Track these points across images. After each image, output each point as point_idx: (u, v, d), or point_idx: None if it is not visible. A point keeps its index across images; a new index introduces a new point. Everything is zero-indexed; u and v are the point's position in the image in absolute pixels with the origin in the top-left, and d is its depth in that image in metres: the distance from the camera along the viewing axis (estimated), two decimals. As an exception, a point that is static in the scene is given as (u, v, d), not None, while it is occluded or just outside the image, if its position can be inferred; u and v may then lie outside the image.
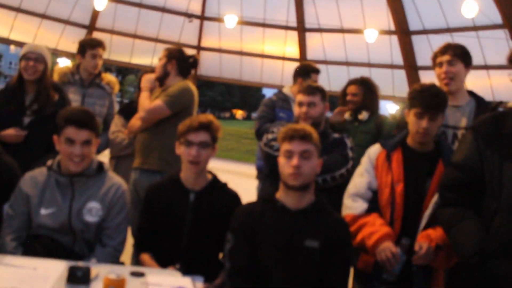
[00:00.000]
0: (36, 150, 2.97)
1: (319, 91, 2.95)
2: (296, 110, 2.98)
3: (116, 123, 3.65)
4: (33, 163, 2.67)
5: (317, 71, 4.14)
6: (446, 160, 2.39)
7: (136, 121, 3.40)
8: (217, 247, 2.51)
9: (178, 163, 3.32)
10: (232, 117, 50.24)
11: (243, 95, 50.19)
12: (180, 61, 3.43)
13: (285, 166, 2.22)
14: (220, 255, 2.55)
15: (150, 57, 10.95)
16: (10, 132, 2.97)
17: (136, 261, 2.56)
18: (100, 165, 2.44)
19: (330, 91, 9.50)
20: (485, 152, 1.99)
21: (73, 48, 10.27)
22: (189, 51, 3.60)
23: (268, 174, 3.04)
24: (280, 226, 2.20)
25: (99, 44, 3.73)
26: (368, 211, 2.46)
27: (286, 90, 4.11)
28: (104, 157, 3.33)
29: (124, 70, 27.76)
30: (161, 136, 3.27)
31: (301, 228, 2.19)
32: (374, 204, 2.47)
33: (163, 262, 2.41)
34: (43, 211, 2.32)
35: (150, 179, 3.08)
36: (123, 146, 3.56)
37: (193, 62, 3.51)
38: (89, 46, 3.69)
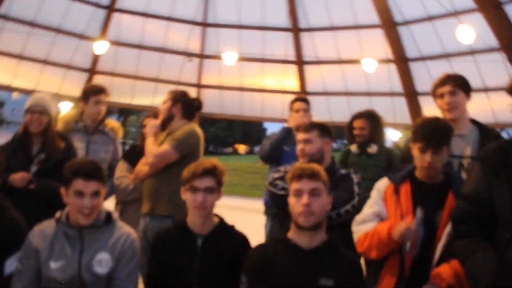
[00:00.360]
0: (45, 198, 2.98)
1: (316, 127, 2.94)
2: (297, 148, 3.00)
3: (121, 168, 3.65)
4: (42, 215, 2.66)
5: (300, 100, 4.11)
6: (456, 191, 2.37)
7: (143, 167, 3.40)
8: (229, 290, 2.48)
9: (186, 207, 3.33)
10: (235, 152, 50.36)
11: (244, 130, 50.47)
12: (186, 104, 3.45)
13: (296, 205, 2.22)
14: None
15: (151, 97, 11.06)
16: (17, 176, 2.99)
17: None
18: (109, 215, 2.44)
19: (332, 121, 9.60)
20: (493, 182, 1.99)
21: (75, 92, 10.36)
22: (190, 89, 3.66)
23: (276, 214, 3.03)
24: (293, 265, 2.19)
25: (102, 90, 3.77)
26: None
27: (290, 124, 4.11)
28: (109, 202, 3.32)
29: (125, 111, 27.99)
30: (170, 181, 3.25)
31: (315, 267, 2.18)
32: None
33: (176, 308, 2.38)
34: (53, 265, 2.31)
35: (161, 224, 3.04)
36: (128, 192, 3.55)
37: (198, 105, 3.54)
38: (92, 93, 3.74)
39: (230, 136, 49.75)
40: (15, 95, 14.44)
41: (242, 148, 51.05)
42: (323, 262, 2.20)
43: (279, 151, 3.90)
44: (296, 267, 2.19)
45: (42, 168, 3.10)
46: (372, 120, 4.06)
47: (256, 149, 51.20)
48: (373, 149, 3.94)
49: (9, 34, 9.93)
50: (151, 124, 3.46)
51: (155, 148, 3.31)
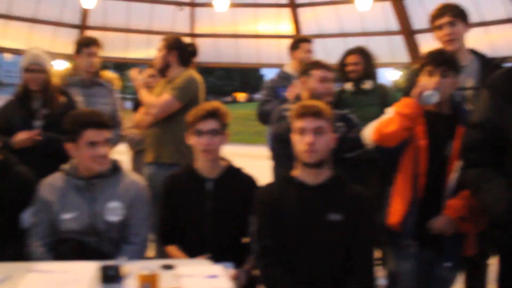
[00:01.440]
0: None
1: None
2: (316, 86, 2.99)
3: (129, 119, 3.69)
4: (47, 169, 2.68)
5: (305, 40, 4.15)
6: (464, 121, 2.35)
7: (143, 117, 3.41)
8: (240, 232, 2.54)
9: (191, 154, 3.36)
10: (234, 100, 50.15)
11: (242, 77, 50.25)
12: (181, 50, 3.44)
13: (299, 143, 2.23)
14: (244, 240, 2.57)
15: (145, 49, 10.89)
16: (22, 136, 2.99)
17: (161, 254, 2.58)
18: (115, 164, 2.46)
19: (329, 63, 9.50)
20: (504, 108, 1.98)
21: (68, 49, 10.22)
22: (185, 39, 3.60)
23: (277, 156, 3.07)
24: (301, 202, 2.22)
25: (93, 42, 3.71)
26: None
27: (287, 68, 4.13)
28: (121, 154, 3.34)
29: (121, 65, 27.67)
30: (173, 129, 3.29)
31: (323, 203, 2.22)
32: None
33: (189, 252, 2.44)
34: (66, 216, 2.34)
35: (166, 173, 3.10)
36: (135, 142, 3.60)
37: (193, 50, 3.53)
38: (83, 45, 3.68)
39: (229, 85, 49.54)
40: (7, 56, 14.21)
41: (241, 96, 50.83)
42: (331, 197, 2.23)
43: None
44: (304, 203, 2.22)
45: (46, 122, 3.10)
46: (365, 56, 4.02)
47: (256, 96, 51.16)
48: (368, 85, 3.89)
49: (-7, -5, 9.70)
50: (134, 77, 3.51)
51: (153, 98, 3.34)
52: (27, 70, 3.13)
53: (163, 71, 3.43)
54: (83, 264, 2.10)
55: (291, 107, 2.94)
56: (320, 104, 2.30)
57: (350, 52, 4.04)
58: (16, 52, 11.26)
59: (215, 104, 2.49)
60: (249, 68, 39.52)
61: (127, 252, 2.34)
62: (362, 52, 4.00)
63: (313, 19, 10.78)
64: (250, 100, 48.49)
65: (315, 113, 2.22)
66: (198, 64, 11.55)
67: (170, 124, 3.31)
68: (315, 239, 2.19)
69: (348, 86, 3.98)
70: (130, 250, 2.37)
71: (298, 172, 2.29)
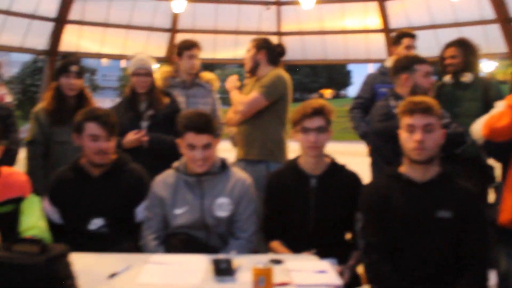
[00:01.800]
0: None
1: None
2: (422, 81, 2.95)
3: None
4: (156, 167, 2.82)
5: (408, 35, 4.05)
6: None
7: (233, 115, 3.52)
8: (343, 228, 2.54)
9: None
10: (321, 97, 50.01)
11: (329, 74, 49.93)
12: (269, 50, 3.53)
13: (408, 140, 2.19)
14: (347, 236, 2.57)
15: (232, 49, 11.12)
16: (130, 137, 3.18)
17: (265, 249, 2.64)
18: (223, 162, 2.54)
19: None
20: None
21: (160, 52, 10.63)
22: (271, 38, 3.68)
23: (380, 153, 3.02)
24: (408, 199, 2.19)
25: (194, 45, 3.86)
26: None
27: (388, 63, 4.03)
28: (226, 152, 3.47)
29: (209, 66, 28.46)
30: (262, 126, 3.41)
31: (431, 200, 2.17)
32: None
33: (292, 248, 2.47)
34: (177, 211, 2.46)
35: (254, 169, 3.17)
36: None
37: (281, 51, 3.61)
38: (185, 48, 3.83)
39: (315, 82, 49.42)
40: (104, 62, 15.08)
41: (327, 92, 50.46)
42: (439, 194, 2.18)
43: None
44: (412, 201, 2.18)
45: (152, 123, 3.28)
46: (464, 48, 3.84)
47: (342, 92, 50.52)
48: (467, 77, 3.72)
49: (93, 5, 10.30)
50: (229, 80, 3.65)
51: (242, 96, 3.46)
52: (134, 74, 3.33)
53: (253, 70, 3.54)
54: (195, 257, 2.21)
55: (396, 103, 2.90)
56: (429, 100, 2.24)
57: (449, 45, 3.90)
58: (112, 57, 11.94)
59: (321, 101, 2.51)
60: (336, 64, 39.20)
61: (234, 246, 2.42)
62: (460, 45, 3.84)
63: (401, 12, 10.47)
64: (336, 96, 48.09)
65: (424, 110, 2.18)
66: (284, 62, 11.61)
67: (258, 121, 3.43)
68: (423, 237, 2.15)
69: (447, 79, 3.84)
70: (237, 245, 2.45)
71: (405, 169, 2.25)
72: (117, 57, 11.83)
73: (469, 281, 2.09)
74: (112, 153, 2.60)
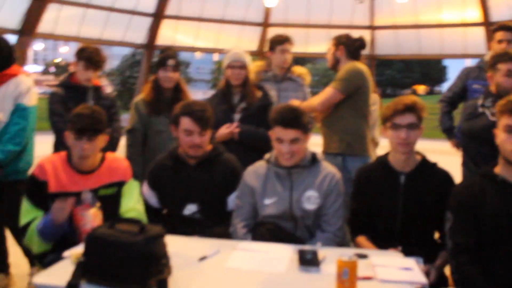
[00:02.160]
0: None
1: None
2: (503, 80, 2.81)
3: None
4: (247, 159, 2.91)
5: (503, 28, 3.78)
6: None
7: (311, 113, 3.56)
8: (432, 227, 2.49)
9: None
10: (414, 93, 48.43)
11: (423, 69, 48.25)
12: (347, 45, 3.58)
13: (507, 142, 2.11)
14: (436, 235, 2.52)
15: (324, 43, 11.08)
16: (224, 130, 3.30)
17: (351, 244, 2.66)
18: (314, 156, 2.59)
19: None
20: None
21: (251, 46, 10.80)
22: (363, 32, 3.70)
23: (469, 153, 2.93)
24: (503, 201, 2.11)
25: (286, 39, 3.92)
26: None
27: (486, 58, 3.82)
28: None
29: (301, 61, 28.47)
30: (340, 120, 3.49)
31: None
32: None
33: (378, 244, 2.46)
34: (267, 201, 2.54)
35: (333, 162, 3.16)
36: None
37: (361, 44, 3.63)
38: (277, 43, 3.90)
39: (408, 77, 47.95)
40: (197, 55, 15.58)
41: (421, 89, 48.73)
42: None
43: None
44: (507, 202, 2.10)
45: (244, 115, 3.38)
46: None
47: (436, 89, 48.59)
48: None
49: (188, 0, 10.69)
50: None
51: (318, 94, 3.57)
52: (229, 67, 3.45)
53: (334, 67, 3.63)
54: (281, 246, 2.27)
55: (485, 102, 2.79)
56: None
57: None
58: (206, 50, 12.33)
59: (413, 98, 2.47)
60: (430, 59, 37.70)
61: (320, 239, 2.46)
62: None
63: (504, 3, 9.86)
64: (430, 92, 46.29)
65: None
66: (376, 57, 11.40)
67: (336, 115, 3.50)
68: None
69: None
70: (324, 238, 2.48)
71: (500, 170, 2.17)
72: (210, 51, 12.22)
73: None
74: (205, 146, 2.72)
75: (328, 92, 3.48)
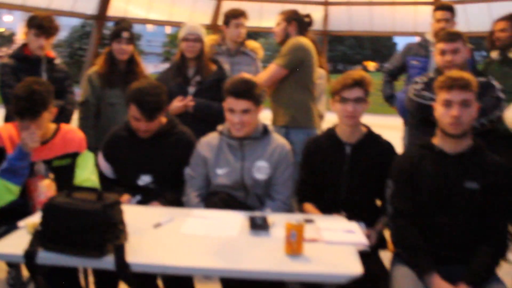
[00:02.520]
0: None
1: (460, 35, 2.94)
2: (438, 59, 2.97)
3: None
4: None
5: (441, 8, 3.98)
6: None
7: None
8: (374, 194, 2.65)
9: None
10: (364, 69, 49.15)
11: (373, 46, 48.99)
12: (299, 21, 3.68)
13: (444, 115, 2.25)
14: (377, 202, 2.68)
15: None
16: (177, 103, 3.35)
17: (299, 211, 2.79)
18: (265, 127, 2.69)
19: (470, 32, 8.95)
20: None
21: (205, 20, 10.69)
22: (317, 8, 3.80)
23: (419, 124, 3.09)
24: (439, 170, 2.27)
25: (241, 14, 3.96)
26: None
27: (428, 35, 4.02)
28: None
29: (255, 35, 28.36)
30: (285, 93, 3.61)
31: (460, 171, 2.24)
32: None
33: (324, 210, 2.60)
34: (219, 171, 2.64)
35: (278, 133, 3.26)
36: None
37: (310, 21, 3.76)
38: (232, 17, 3.94)
39: (359, 54, 48.64)
40: (149, 27, 15.32)
41: (371, 65, 49.51)
42: (469, 166, 2.25)
43: None
44: (442, 171, 2.26)
45: (199, 88, 3.44)
46: None
47: (386, 65, 49.52)
48: None
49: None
50: None
51: (264, 70, 3.68)
52: (184, 39, 3.48)
53: (284, 42, 3.69)
54: (233, 213, 2.39)
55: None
56: (467, 76, 2.28)
57: (499, 19, 3.86)
58: (158, 23, 12.13)
59: (361, 73, 2.60)
60: (382, 36, 38.33)
61: (269, 207, 2.59)
62: (511, 18, 3.79)
63: (452, -16, 10.13)
64: (380, 69, 47.11)
65: (462, 86, 2.22)
66: (329, 33, 11.55)
67: (282, 89, 3.62)
68: (450, 206, 2.23)
69: (494, 55, 3.81)
70: (273, 206, 2.61)
71: (438, 141, 2.33)
72: (163, 24, 12.03)
73: (489, 247, 2.17)
74: (154, 130, 2.73)
75: (272, 69, 3.58)
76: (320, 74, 4.05)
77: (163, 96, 2.71)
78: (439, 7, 3.97)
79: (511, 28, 3.74)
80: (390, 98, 4.19)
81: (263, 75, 3.63)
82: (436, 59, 3.04)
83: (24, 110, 2.45)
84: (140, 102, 2.61)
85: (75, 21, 33.62)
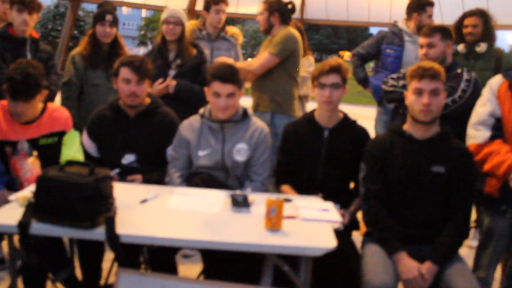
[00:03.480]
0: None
1: (439, 31, 3.07)
2: (419, 52, 3.14)
3: None
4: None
5: (431, 4, 4.11)
6: None
7: (246, 74, 3.77)
8: (349, 177, 2.80)
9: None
10: (340, 59, 49.52)
11: (349, 36, 49.32)
12: (281, 10, 3.80)
13: (415, 103, 2.41)
14: (351, 185, 2.84)
15: (255, 5, 11.14)
16: (158, 86, 3.45)
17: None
18: (245, 111, 2.81)
19: (443, 24, 9.12)
20: None
21: (182, 4, 10.65)
22: None
23: (393, 112, 3.26)
24: (408, 154, 2.44)
25: (222, 0, 4.05)
26: (492, 138, 2.52)
27: (401, 24, 4.12)
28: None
29: (232, 21, 28.29)
30: (272, 81, 3.77)
31: (428, 155, 2.41)
32: (498, 131, 2.52)
33: (301, 192, 2.73)
34: (201, 153, 2.75)
35: (261, 118, 3.35)
36: None
37: (292, 8, 3.88)
38: (213, 2, 4.03)
39: (334, 43, 48.97)
40: (124, 10, 15.13)
41: (347, 55, 49.71)
42: (436, 151, 2.41)
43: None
44: (411, 155, 2.43)
45: (179, 72, 3.54)
46: (485, 18, 3.96)
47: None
48: (482, 48, 3.85)
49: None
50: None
51: (248, 61, 3.81)
52: (165, 22, 3.57)
53: (267, 31, 3.85)
54: (215, 191, 2.51)
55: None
56: (437, 66, 2.44)
57: (469, 14, 3.98)
58: (134, 6, 11.99)
59: (338, 60, 2.74)
60: (358, 26, 38.55)
61: (249, 187, 2.70)
62: (482, 15, 3.94)
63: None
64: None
65: (433, 76, 2.39)
66: (305, 21, 11.64)
67: (269, 76, 3.76)
68: (418, 188, 2.40)
69: (461, 48, 3.97)
70: (252, 186, 2.72)
71: (408, 127, 2.49)
72: (139, 6, 11.89)
73: (453, 228, 2.35)
74: (143, 96, 2.86)
75: (266, 57, 3.70)
76: (310, 61, 4.42)
77: (150, 63, 2.94)
78: (430, 4, 4.06)
79: (482, 24, 3.90)
80: (364, 81, 4.27)
81: (256, 63, 3.74)
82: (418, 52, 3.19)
83: (19, 93, 2.53)
84: (130, 62, 2.81)
85: (49, 1, 32.90)
